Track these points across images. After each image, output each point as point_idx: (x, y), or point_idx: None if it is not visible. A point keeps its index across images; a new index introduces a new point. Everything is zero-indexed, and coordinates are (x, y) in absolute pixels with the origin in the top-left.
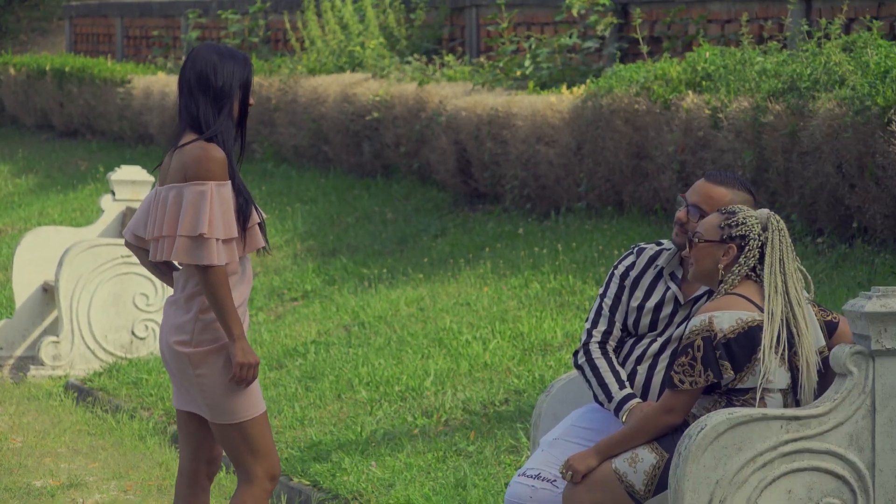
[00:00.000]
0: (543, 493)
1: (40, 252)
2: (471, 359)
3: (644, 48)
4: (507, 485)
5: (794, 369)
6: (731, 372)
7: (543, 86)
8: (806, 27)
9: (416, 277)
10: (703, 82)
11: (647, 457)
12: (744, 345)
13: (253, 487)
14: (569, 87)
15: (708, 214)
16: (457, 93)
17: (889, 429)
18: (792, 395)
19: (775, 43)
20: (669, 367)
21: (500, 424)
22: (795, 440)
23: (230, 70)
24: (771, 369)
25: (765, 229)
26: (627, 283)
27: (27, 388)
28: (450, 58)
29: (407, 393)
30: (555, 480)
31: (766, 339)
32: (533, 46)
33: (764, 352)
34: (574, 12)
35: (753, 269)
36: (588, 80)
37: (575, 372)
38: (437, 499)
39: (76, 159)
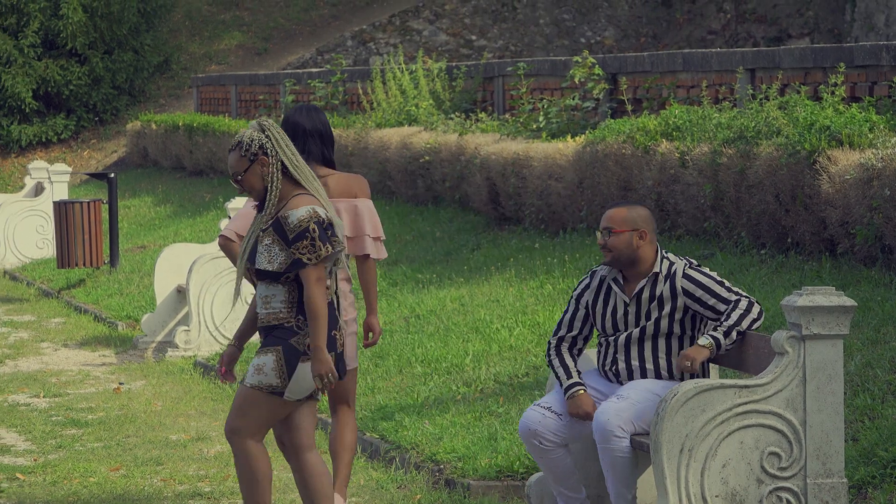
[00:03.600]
0: (549, 421)
1: (175, 262)
2: (500, 342)
3: (629, 107)
4: None
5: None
6: (341, 244)
7: (553, 136)
8: (751, 91)
9: (458, 281)
10: (674, 133)
11: (267, 360)
12: (332, 228)
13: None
14: (572, 137)
15: (614, 231)
16: (488, 141)
17: (816, 394)
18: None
19: (728, 103)
20: (652, 348)
21: (522, 392)
22: (746, 403)
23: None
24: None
25: (263, 130)
26: (581, 302)
27: (165, 365)
28: (482, 115)
29: (452, 368)
30: (561, 415)
31: (341, 231)
32: (545, 106)
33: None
34: (576, 80)
35: (285, 167)
36: (587, 132)
37: None
38: (475, 448)
39: (202, 192)
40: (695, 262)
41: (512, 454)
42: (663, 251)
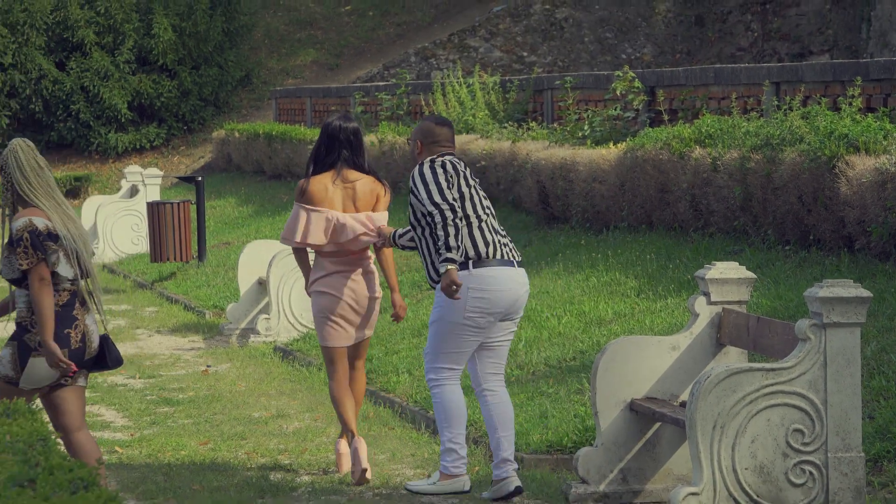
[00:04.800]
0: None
1: (256, 257)
2: (549, 329)
3: (665, 117)
4: (575, 416)
5: (80, 266)
6: (55, 250)
7: (597, 143)
8: (776, 102)
9: None
10: (707, 140)
11: (6, 353)
12: (50, 239)
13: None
14: (615, 144)
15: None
16: (538, 148)
17: (836, 377)
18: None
19: (755, 113)
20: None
21: (570, 374)
22: (772, 384)
23: None
24: (61, 263)
25: (10, 152)
26: None
27: (248, 349)
28: (533, 124)
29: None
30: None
31: (69, 243)
32: (590, 116)
33: (67, 251)
34: (618, 92)
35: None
36: (628, 139)
37: (622, 338)
38: (528, 425)
39: (280, 194)
40: (442, 161)
41: (561, 430)
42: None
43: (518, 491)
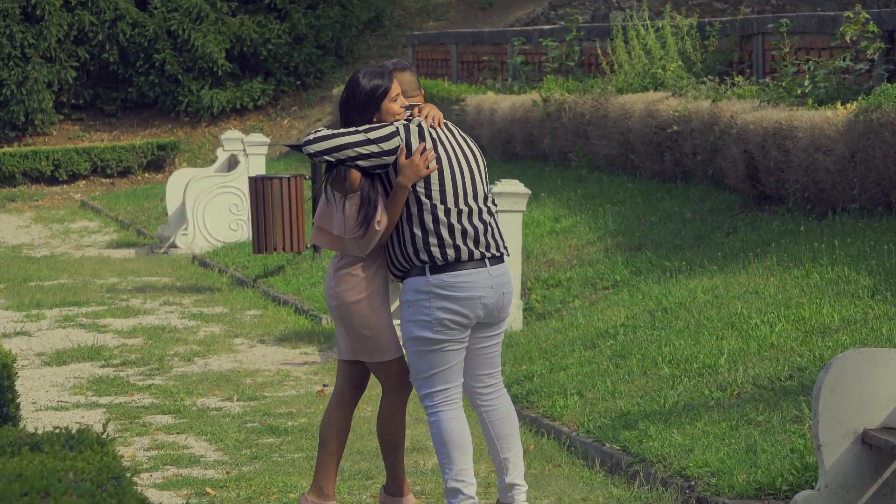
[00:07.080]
0: None
1: None
2: (759, 340)
3: None
4: (792, 450)
5: None
6: None
7: (821, 102)
8: None
9: (711, 269)
10: None
11: None
12: None
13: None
14: (843, 104)
15: None
16: (745, 108)
17: None
18: None
19: None
20: None
21: (786, 397)
22: None
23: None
24: None
25: None
26: None
27: None
28: (739, 78)
29: (704, 369)
30: None
31: None
32: (811, 68)
33: None
34: (847, 38)
35: None
36: (860, 98)
37: (852, 351)
38: (731, 462)
39: None
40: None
41: (774, 469)
42: None
43: None
